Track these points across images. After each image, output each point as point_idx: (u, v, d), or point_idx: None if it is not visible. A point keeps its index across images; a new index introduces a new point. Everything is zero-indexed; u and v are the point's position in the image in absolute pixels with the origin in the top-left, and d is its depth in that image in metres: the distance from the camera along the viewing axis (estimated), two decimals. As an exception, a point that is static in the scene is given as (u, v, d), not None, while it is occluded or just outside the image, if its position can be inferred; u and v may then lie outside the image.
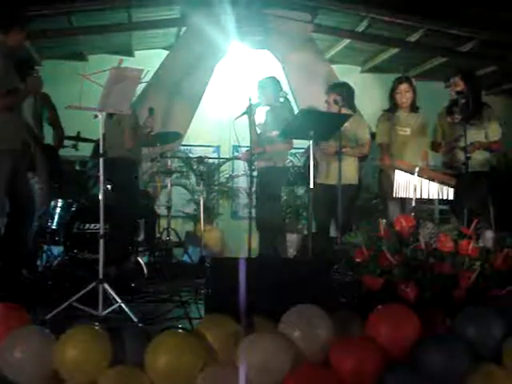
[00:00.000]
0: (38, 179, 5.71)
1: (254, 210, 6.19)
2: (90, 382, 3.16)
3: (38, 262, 6.26)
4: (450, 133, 6.08)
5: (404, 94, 6.15)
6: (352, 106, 6.25)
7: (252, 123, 6.22)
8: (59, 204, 6.57)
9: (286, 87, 8.66)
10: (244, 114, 6.13)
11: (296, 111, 6.60)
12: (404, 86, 6.16)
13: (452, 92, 6.02)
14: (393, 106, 6.23)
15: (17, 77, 4.83)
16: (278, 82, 6.64)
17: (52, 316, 3.95)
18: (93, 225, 5.93)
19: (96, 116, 4.25)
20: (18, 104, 4.86)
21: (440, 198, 5.44)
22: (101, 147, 4.29)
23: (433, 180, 5.35)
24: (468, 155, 5.57)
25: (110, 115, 5.70)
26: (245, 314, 3.44)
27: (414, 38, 9.94)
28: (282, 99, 6.51)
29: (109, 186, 6.00)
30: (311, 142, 5.38)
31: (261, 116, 6.53)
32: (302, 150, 6.86)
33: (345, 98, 6.09)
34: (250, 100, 6.06)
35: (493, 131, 6.01)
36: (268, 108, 6.51)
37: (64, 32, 9.46)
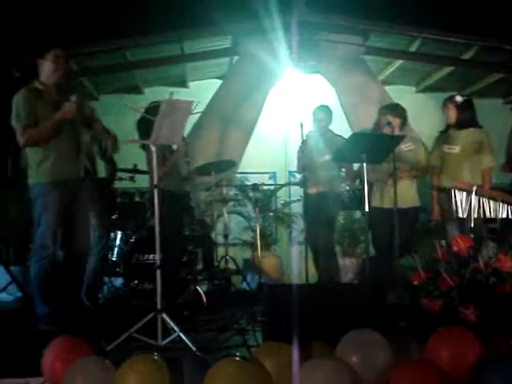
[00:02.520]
0: (93, 212, 5.79)
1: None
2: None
3: (100, 294, 6.38)
4: None
5: (448, 111, 6.00)
6: (406, 128, 6.20)
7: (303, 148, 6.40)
8: (119, 236, 6.71)
9: (339, 110, 8.70)
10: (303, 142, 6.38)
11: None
12: (447, 103, 6.03)
13: None
14: (446, 126, 6.12)
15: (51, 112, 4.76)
16: (330, 112, 6.82)
17: (113, 347, 4.01)
18: (151, 255, 6.04)
19: (144, 148, 4.30)
20: (51, 132, 4.74)
21: (501, 217, 5.32)
22: (155, 178, 4.36)
23: (494, 199, 5.23)
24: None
25: (142, 146, 5.68)
26: (302, 340, 3.42)
27: (468, 55, 9.79)
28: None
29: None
30: (364, 165, 5.36)
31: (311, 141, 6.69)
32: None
33: (399, 119, 6.07)
34: (301, 126, 6.17)
35: None
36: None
37: (119, 67, 9.68)
